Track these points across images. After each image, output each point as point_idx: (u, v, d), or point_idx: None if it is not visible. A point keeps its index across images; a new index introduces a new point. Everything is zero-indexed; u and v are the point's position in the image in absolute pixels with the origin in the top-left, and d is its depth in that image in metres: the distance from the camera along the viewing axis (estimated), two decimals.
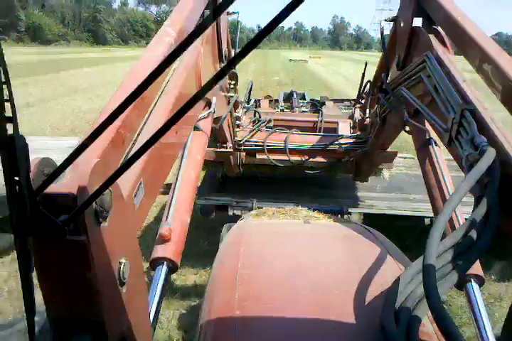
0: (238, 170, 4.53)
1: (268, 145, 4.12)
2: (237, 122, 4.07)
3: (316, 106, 5.67)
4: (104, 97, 16.12)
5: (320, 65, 42.08)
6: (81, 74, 23.86)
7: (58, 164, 0.63)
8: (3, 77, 0.52)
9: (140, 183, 1.12)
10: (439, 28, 2.10)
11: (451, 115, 1.54)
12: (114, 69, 25.48)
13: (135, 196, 1.08)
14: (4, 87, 0.52)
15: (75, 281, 0.78)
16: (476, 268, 1.55)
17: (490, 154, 1.24)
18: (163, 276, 1.46)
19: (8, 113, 0.53)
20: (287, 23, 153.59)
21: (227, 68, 0.54)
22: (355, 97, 5.11)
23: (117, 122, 0.99)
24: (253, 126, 4.23)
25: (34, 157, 0.69)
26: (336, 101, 6.88)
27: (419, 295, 1.13)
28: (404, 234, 4.87)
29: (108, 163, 0.88)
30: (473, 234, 1.18)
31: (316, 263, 1.69)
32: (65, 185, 0.72)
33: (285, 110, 5.77)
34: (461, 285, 1.55)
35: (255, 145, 4.16)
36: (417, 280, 1.15)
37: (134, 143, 1.18)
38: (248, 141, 4.14)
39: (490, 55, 1.51)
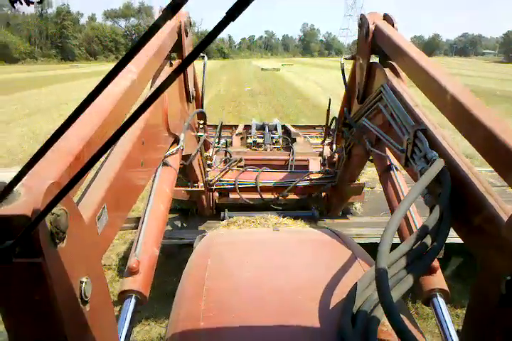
0: (211, 210, 4.46)
1: (239, 184, 4.12)
2: (208, 162, 4.09)
3: (288, 141, 5.81)
4: (67, 117, 15.37)
5: (292, 72, 42.06)
6: (45, 93, 22.96)
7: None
8: None
9: (104, 208, 1.14)
10: (394, 63, 2.26)
11: (406, 136, 1.66)
12: (81, 86, 24.70)
13: (98, 219, 1.09)
14: None
15: (34, 303, 0.78)
16: (441, 282, 1.62)
17: (438, 163, 1.34)
18: (131, 309, 1.45)
19: None
20: (258, 33, 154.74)
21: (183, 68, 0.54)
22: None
23: (78, 147, 1.05)
24: (224, 166, 4.28)
25: None
26: (306, 127, 7.41)
27: (375, 299, 1.16)
28: None
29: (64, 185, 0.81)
30: (428, 239, 1.25)
31: (282, 270, 1.70)
32: (18, 206, 0.72)
33: (258, 141, 5.91)
34: (427, 300, 1.62)
35: (227, 185, 4.19)
36: (373, 285, 1.17)
37: (97, 172, 1.23)
38: (220, 181, 4.16)
39: (440, 82, 1.56)
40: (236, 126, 6.85)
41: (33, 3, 0.44)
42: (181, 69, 0.53)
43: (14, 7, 0.43)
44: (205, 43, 0.50)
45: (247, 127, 6.92)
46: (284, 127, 6.94)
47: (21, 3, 0.43)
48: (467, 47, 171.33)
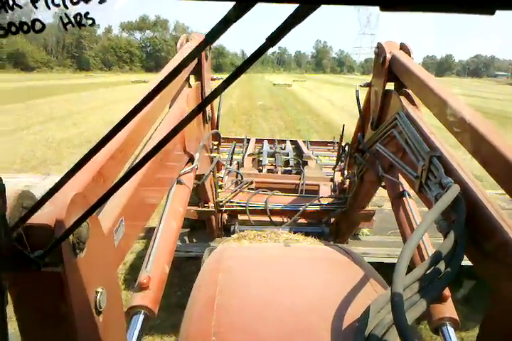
0: (220, 232, 4.46)
1: (250, 206, 4.09)
2: (220, 183, 4.11)
3: (299, 164, 5.78)
4: (80, 126, 15.57)
5: (304, 88, 42.25)
6: (59, 101, 23.19)
7: (38, 197, 0.67)
8: None
9: (121, 220, 1.17)
10: (409, 91, 2.28)
11: (421, 163, 1.67)
12: (95, 96, 25.00)
13: (116, 232, 1.12)
14: None
15: (51, 311, 0.79)
16: (451, 311, 1.59)
17: (454, 189, 1.33)
18: (139, 324, 1.46)
19: None
20: (271, 48, 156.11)
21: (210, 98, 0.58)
22: (340, 128, 4.95)
23: (102, 161, 1.10)
24: (235, 188, 4.30)
25: None
26: (317, 143, 7.50)
27: (388, 322, 1.15)
28: None
29: (87, 197, 0.88)
30: (441, 264, 1.24)
31: (294, 287, 1.68)
32: (42, 217, 0.73)
33: (269, 160, 5.96)
34: (436, 329, 1.59)
35: (237, 206, 4.17)
36: (387, 309, 1.18)
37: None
38: (230, 202, 4.15)
39: (458, 111, 1.57)
40: (248, 140, 6.90)
41: (85, 25, 0.45)
42: (202, 108, 0.55)
43: (67, 30, 0.44)
44: (235, 76, 0.51)
45: (259, 141, 7.00)
46: (295, 143, 6.97)
47: (73, 26, 0.44)
48: (480, 68, 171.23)
